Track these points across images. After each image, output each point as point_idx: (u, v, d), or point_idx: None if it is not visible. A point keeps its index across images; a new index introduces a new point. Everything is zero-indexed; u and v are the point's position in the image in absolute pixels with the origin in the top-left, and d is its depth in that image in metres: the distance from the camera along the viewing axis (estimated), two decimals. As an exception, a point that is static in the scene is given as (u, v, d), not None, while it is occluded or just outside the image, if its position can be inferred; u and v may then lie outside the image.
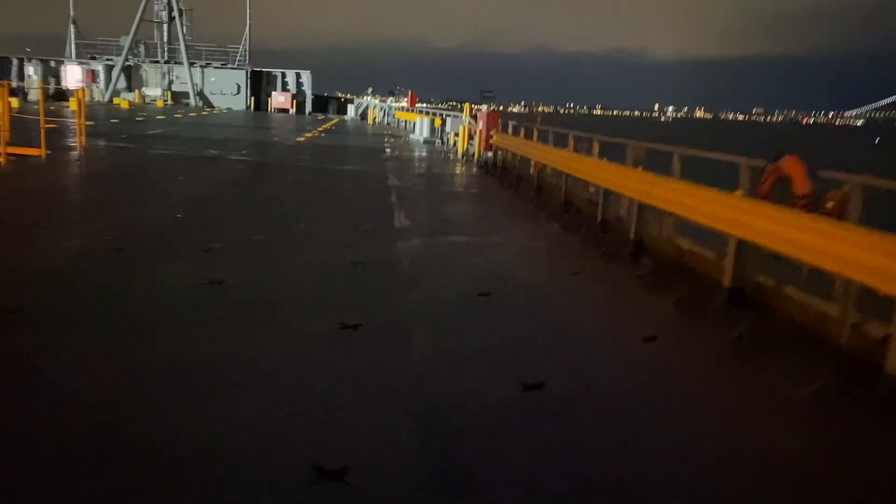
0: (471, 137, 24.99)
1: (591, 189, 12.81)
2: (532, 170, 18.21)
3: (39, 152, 14.32)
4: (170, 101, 59.67)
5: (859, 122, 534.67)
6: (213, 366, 4.52)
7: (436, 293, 6.74)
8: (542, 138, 17.79)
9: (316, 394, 4.20)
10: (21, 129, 14.98)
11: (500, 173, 19.75)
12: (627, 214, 10.92)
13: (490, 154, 22.45)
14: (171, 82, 61.86)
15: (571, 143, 14.61)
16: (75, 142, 17.56)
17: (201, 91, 61.90)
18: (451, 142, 28.11)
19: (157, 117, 37.48)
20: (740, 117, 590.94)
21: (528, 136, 18.85)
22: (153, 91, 61.05)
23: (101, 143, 20.38)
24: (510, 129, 21.57)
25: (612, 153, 12.89)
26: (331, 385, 4.35)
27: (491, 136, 22.05)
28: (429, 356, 5.01)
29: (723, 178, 8.00)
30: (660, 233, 9.11)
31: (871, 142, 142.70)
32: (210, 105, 60.40)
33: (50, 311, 5.41)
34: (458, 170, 20.61)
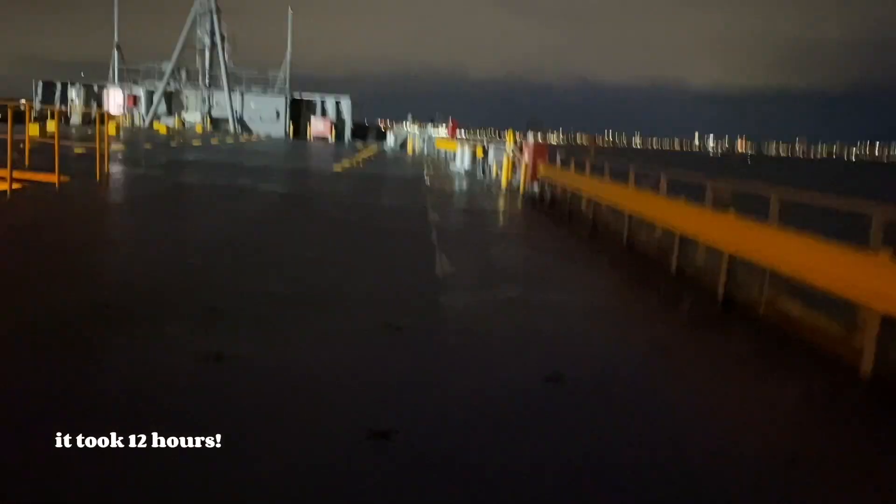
0: (514, 169, 23.61)
1: (658, 231, 11.27)
2: (584, 205, 16.74)
3: (53, 178, 13.26)
4: (209, 127, 59.68)
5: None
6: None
7: (490, 377, 5.26)
8: (596, 171, 16.33)
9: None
10: (49, 155, 13.89)
11: (548, 209, 18.26)
12: (706, 266, 9.34)
13: (536, 188, 21.01)
14: (210, 108, 62.02)
15: (632, 177, 13.12)
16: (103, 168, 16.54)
17: (241, 117, 61.89)
18: (494, 173, 26.76)
19: (193, 143, 36.91)
20: (782, 150, 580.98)
21: (580, 168, 17.42)
22: (192, 116, 61.20)
23: (127, 169, 19.45)
24: (558, 161, 20.17)
25: (681, 191, 11.37)
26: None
27: (538, 169, 20.62)
28: (484, 491, 3.52)
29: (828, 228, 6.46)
30: (759, 293, 7.50)
31: None
32: (249, 131, 60.26)
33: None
34: (502, 205, 19.19)
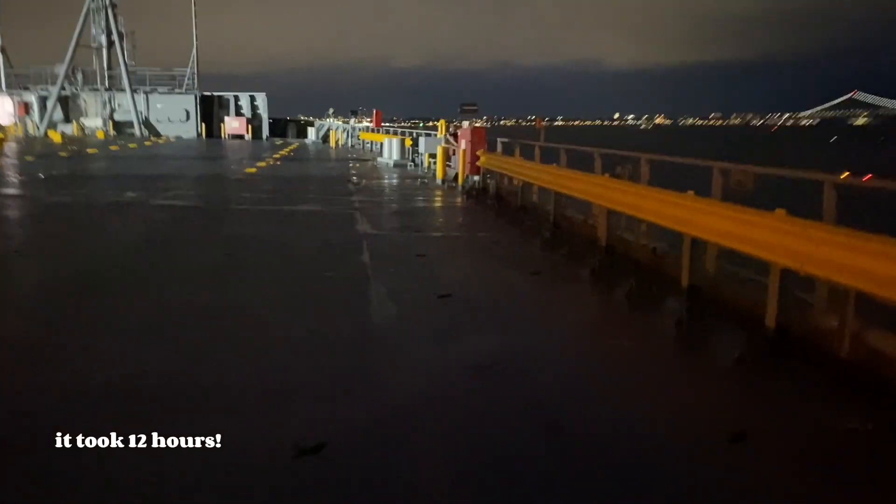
0: (448, 159, 21.17)
1: (644, 226, 9.05)
2: (535, 197, 14.47)
3: None
4: (112, 132, 54.92)
5: (815, 122, 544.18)
6: None
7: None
8: (543, 157, 14.05)
9: None
10: None
11: (495, 204, 15.90)
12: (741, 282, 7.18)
13: (477, 178, 18.61)
14: (113, 111, 57.10)
15: (599, 163, 10.86)
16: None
17: (147, 119, 57.25)
18: (427, 164, 24.25)
19: (88, 151, 32.97)
20: (699, 122, 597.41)
21: (527, 154, 15.12)
22: (93, 121, 56.22)
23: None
24: (499, 148, 17.82)
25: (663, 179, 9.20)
26: None
27: (478, 157, 18.22)
28: None
29: None
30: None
31: (827, 140, 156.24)
32: (157, 134, 55.77)
33: None
34: (442, 201, 16.70)
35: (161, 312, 6.47)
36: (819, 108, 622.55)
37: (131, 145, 39.73)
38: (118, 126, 56.29)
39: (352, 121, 50.18)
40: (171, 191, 16.62)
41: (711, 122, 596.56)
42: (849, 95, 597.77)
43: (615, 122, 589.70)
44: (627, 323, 6.84)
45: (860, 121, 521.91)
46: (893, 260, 4.59)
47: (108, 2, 56.55)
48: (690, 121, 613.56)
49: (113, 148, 36.41)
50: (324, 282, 7.80)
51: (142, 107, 57.03)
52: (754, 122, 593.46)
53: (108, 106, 56.92)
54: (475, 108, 21.13)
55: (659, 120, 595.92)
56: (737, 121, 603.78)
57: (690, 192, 7.39)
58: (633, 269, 8.68)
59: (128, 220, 12.11)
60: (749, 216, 6.20)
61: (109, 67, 57.73)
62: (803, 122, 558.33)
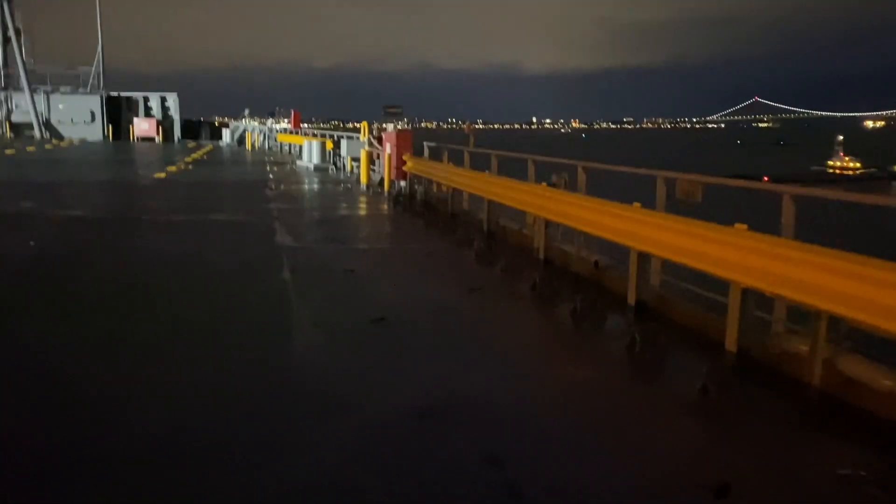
0: (372, 163, 20.39)
1: (581, 238, 8.60)
2: (465, 203, 13.94)
3: None
4: (9, 134, 51.38)
5: (722, 125, 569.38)
6: None
7: None
8: (473, 163, 13.52)
9: None
10: None
11: (424, 212, 15.26)
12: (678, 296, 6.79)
13: (404, 184, 17.92)
14: (10, 112, 53.48)
15: (532, 170, 10.38)
16: None
17: (47, 120, 53.89)
18: (349, 168, 23.37)
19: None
20: (613, 126, 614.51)
21: (455, 159, 14.56)
22: (-13, 123, 52.51)
23: None
24: (426, 152, 17.19)
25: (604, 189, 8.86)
26: None
27: (404, 162, 17.53)
28: None
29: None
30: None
31: (734, 143, 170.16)
32: (59, 137, 52.51)
33: None
34: (368, 209, 15.93)
35: (29, 359, 5.51)
36: (724, 112, 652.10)
37: (29, 148, 37.09)
38: (16, 128, 52.76)
39: (269, 122, 48.52)
40: (70, 199, 15.21)
41: (626, 126, 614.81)
42: (751, 101, 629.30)
43: (533, 126, 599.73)
44: (578, 347, 6.30)
45: (763, 124, 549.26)
46: (880, 285, 4.17)
47: (2, -6, 52.99)
48: (604, 125, 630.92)
49: (8, 152, 33.82)
50: (238, 306, 6.93)
51: (42, 107, 53.66)
52: (665, 125, 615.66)
53: (3, 106, 53.26)
54: (399, 110, 20.43)
55: (574, 124, 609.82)
56: (648, 125, 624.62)
57: (636, 204, 6.93)
58: (575, 283, 8.19)
59: (16, 236, 10.81)
60: (708, 232, 5.75)
61: (5, 65, 54.12)
62: (710, 126, 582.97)
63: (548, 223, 9.22)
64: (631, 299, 6.90)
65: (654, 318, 6.62)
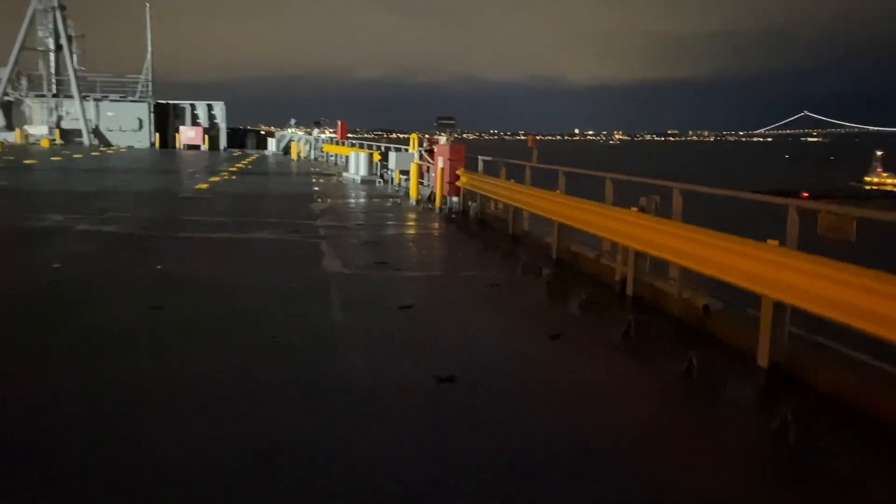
0: (422, 177, 19.30)
1: (677, 272, 7.30)
2: (526, 223, 12.76)
3: None
4: (58, 141, 51.73)
5: (769, 139, 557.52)
6: None
7: None
8: (532, 180, 12.29)
9: None
10: None
11: (481, 232, 14.08)
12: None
13: (456, 200, 16.78)
14: (60, 119, 53.90)
15: (610, 189, 9.12)
16: None
17: (96, 128, 54.21)
18: (398, 181, 22.29)
19: (25, 162, 30.25)
20: (657, 138, 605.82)
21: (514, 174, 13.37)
22: (38, 129, 52.95)
23: None
24: (480, 166, 16.02)
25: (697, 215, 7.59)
26: None
27: (458, 178, 16.38)
28: None
29: None
30: None
31: (783, 157, 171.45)
32: (107, 144, 52.73)
33: None
34: (420, 227, 14.78)
35: (27, 414, 4.43)
36: (772, 126, 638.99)
37: (76, 155, 36.95)
38: (66, 134, 53.14)
39: (315, 132, 47.91)
40: (106, 212, 14.37)
41: (671, 138, 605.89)
42: (800, 115, 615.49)
43: (576, 137, 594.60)
44: (703, 429, 4.97)
45: (812, 138, 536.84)
46: None
47: (56, 3, 53.54)
48: (648, 136, 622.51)
49: (55, 159, 33.64)
50: (278, 361, 5.76)
51: (91, 115, 53.99)
52: (709, 138, 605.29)
53: (54, 113, 53.73)
54: (452, 121, 19.29)
55: (617, 135, 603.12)
56: (693, 137, 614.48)
57: (773, 242, 5.59)
58: (677, 330, 6.87)
59: (40, 255, 9.88)
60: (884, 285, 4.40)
61: (57, 73, 54.64)
62: (756, 139, 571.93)
63: (637, 254, 7.92)
64: (762, 360, 5.55)
65: (797, 388, 5.26)
